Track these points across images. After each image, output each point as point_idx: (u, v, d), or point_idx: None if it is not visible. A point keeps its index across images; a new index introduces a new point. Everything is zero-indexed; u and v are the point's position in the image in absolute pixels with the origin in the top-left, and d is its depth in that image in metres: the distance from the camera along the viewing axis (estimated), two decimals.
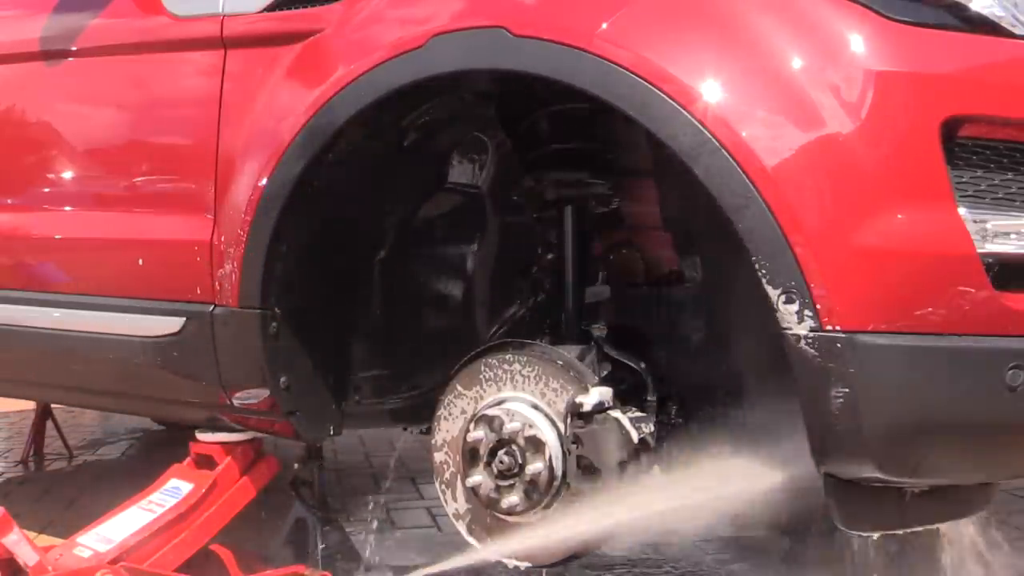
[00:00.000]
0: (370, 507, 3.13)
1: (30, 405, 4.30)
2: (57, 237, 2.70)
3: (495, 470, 2.11)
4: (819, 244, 1.71)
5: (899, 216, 1.71)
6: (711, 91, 1.78)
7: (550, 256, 2.42)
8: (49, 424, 4.17)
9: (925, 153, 1.72)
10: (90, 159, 2.69)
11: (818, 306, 1.70)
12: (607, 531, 2.09)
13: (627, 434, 2.04)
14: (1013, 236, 1.74)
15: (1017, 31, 1.79)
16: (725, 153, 1.75)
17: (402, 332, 2.49)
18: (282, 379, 2.31)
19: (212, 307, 2.35)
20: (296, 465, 2.62)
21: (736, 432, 2.16)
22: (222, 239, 2.31)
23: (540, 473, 2.07)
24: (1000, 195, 1.75)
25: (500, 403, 2.13)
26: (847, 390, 1.71)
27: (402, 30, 2.09)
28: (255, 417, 2.46)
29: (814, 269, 1.70)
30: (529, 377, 2.12)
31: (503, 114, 2.35)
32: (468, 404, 2.18)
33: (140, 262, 2.50)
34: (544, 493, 2.08)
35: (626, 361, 2.19)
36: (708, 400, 2.24)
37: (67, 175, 2.73)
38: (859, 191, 1.72)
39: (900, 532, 2.06)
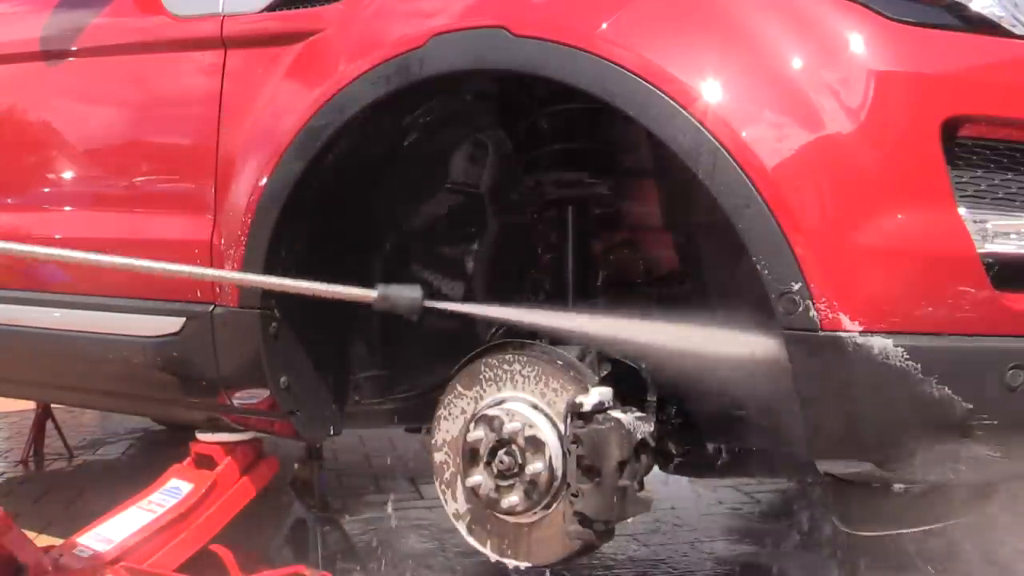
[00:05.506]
0: (370, 507, 3.14)
1: (30, 405, 4.29)
2: (57, 237, 2.70)
3: (495, 470, 2.10)
4: (819, 244, 1.71)
5: (899, 216, 1.71)
6: (711, 91, 1.78)
7: (550, 256, 2.42)
8: (49, 424, 4.17)
9: (925, 153, 1.72)
10: (90, 159, 2.69)
11: (818, 306, 1.70)
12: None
13: (627, 434, 2.04)
14: (1013, 236, 1.75)
15: (1017, 31, 1.79)
16: (725, 153, 1.75)
17: (402, 332, 2.49)
18: (282, 379, 2.31)
19: (212, 307, 2.35)
20: (296, 465, 2.62)
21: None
22: (222, 239, 2.31)
23: (540, 473, 2.07)
24: (1000, 195, 1.76)
25: (500, 403, 2.13)
26: (847, 390, 1.71)
27: (402, 30, 2.09)
28: (255, 417, 2.46)
29: (814, 269, 1.70)
30: (529, 377, 2.12)
31: (503, 114, 2.35)
32: (468, 404, 2.18)
33: None
34: (544, 493, 2.08)
35: (626, 361, 2.19)
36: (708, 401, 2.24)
37: (67, 175, 2.73)
38: (859, 191, 1.72)
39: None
